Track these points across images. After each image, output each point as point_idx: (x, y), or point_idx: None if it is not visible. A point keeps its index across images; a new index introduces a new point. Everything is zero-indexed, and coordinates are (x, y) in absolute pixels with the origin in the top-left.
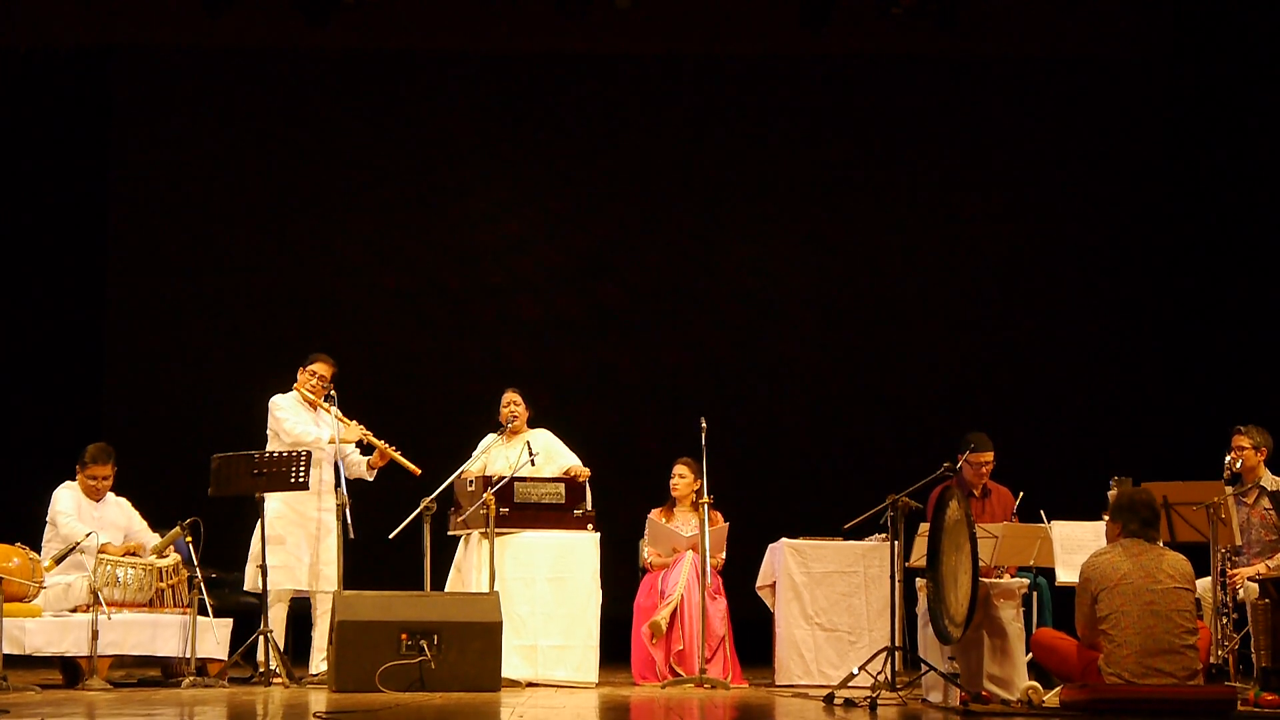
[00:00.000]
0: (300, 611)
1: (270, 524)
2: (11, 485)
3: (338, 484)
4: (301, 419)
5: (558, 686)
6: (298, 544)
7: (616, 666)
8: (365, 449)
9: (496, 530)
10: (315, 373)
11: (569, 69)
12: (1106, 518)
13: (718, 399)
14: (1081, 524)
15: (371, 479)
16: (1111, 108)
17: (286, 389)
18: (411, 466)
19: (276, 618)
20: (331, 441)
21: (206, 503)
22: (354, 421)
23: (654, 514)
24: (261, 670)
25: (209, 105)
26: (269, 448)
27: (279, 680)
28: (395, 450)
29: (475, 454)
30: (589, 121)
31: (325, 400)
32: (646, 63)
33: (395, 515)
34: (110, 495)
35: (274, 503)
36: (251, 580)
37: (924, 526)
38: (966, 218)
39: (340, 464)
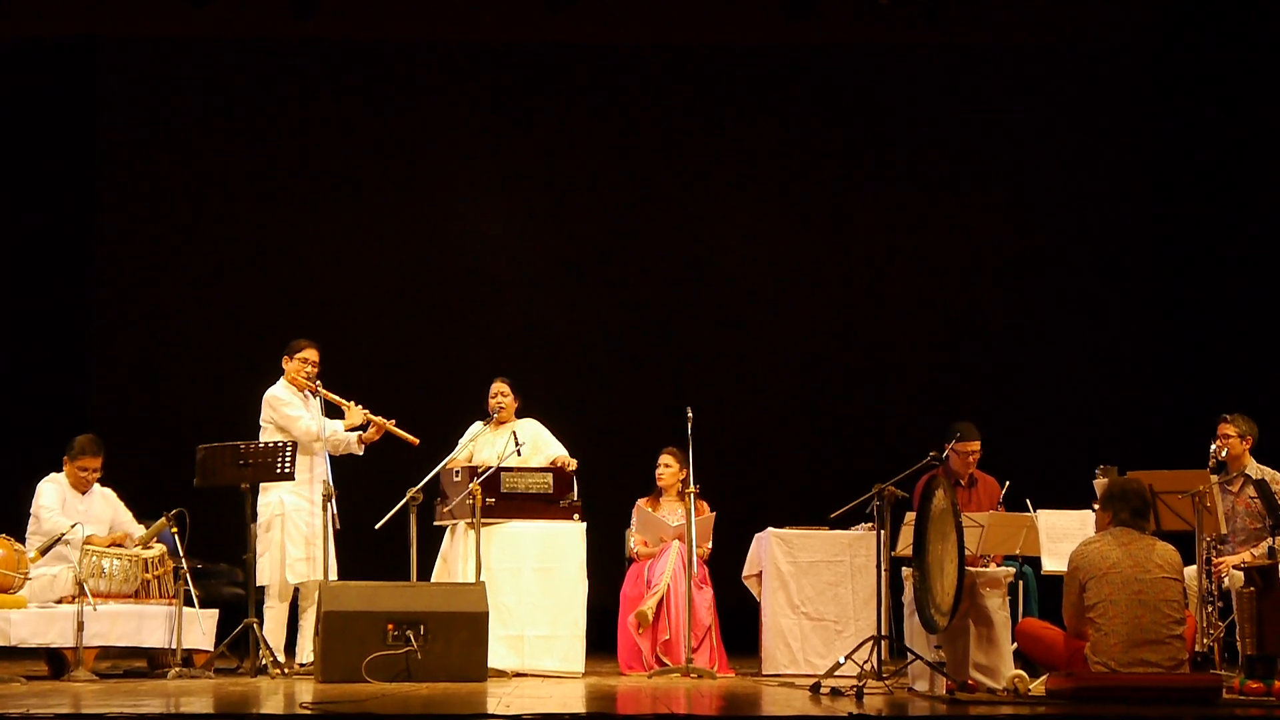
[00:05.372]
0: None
1: (290, 518)
2: None
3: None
4: (305, 412)
5: (544, 676)
6: (314, 536)
7: (603, 656)
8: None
9: (483, 520)
10: (307, 359)
11: (555, 59)
12: (1097, 506)
13: (704, 388)
14: (1067, 513)
15: (360, 453)
16: (1100, 96)
17: (275, 380)
18: (410, 437)
19: (285, 609)
20: (350, 429)
21: (192, 494)
22: (352, 402)
23: (641, 503)
24: (263, 662)
25: (195, 96)
26: (266, 439)
27: (276, 671)
28: (392, 422)
29: (462, 443)
30: (575, 111)
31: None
32: (632, 53)
33: (381, 506)
34: (96, 487)
35: (291, 496)
36: (294, 575)
37: (910, 516)
38: (952, 206)
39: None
